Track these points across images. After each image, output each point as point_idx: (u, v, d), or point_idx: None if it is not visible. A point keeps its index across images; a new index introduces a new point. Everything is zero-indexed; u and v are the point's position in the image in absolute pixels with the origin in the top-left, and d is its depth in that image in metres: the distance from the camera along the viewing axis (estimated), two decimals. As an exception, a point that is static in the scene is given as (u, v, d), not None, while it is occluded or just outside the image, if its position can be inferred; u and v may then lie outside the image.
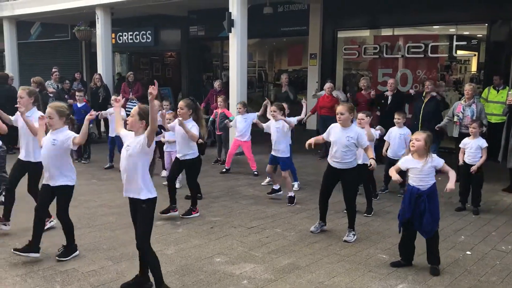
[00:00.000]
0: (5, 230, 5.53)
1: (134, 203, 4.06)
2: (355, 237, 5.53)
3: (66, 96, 11.47)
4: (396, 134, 7.37)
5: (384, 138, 7.52)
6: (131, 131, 4.13)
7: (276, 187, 7.27)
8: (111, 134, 9.24)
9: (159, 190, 6.90)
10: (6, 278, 4.36)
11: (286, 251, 5.16)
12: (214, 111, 9.87)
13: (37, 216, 4.79)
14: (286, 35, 13.23)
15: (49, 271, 4.52)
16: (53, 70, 12.43)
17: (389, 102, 9.45)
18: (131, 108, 11.91)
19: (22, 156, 5.50)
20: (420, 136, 4.58)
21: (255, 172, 8.79)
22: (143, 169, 4.00)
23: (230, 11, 10.11)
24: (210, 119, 9.87)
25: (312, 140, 5.67)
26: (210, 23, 13.95)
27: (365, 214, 6.43)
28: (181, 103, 6.19)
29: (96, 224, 5.92)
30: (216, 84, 11.92)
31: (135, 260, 4.81)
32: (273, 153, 7.02)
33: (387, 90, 9.62)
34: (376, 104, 9.69)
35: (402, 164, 4.76)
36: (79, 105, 10.12)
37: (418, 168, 4.58)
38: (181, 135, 6.16)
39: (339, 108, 5.39)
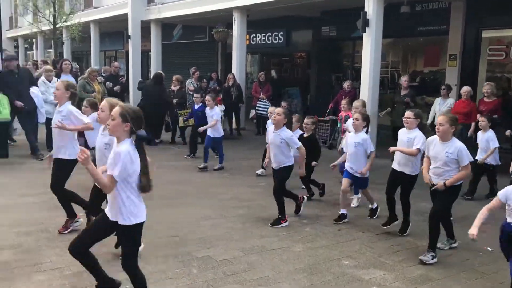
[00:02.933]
0: None
1: None
2: (434, 260, 4.87)
3: (203, 94, 12.19)
4: None
5: None
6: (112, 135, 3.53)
7: (373, 206, 6.40)
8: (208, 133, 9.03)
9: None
10: (150, 258, 4.77)
11: (418, 261, 4.91)
12: (339, 114, 9.67)
13: None
14: (423, 35, 12.57)
15: (187, 257, 4.85)
16: (192, 69, 13.27)
17: None
18: (262, 108, 12.16)
19: None
20: None
21: None
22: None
23: (365, 10, 9.91)
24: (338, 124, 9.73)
25: (427, 176, 5.02)
26: (343, 23, 13.79)
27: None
28: (279, 109, 5.99)
29: (228, 216, 6.20)
30: (346, 84, 11.78)
31: (264, 253, 4.99)
32: (349, 170, 6.10)
33: None
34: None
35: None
36: (196, 106, 10.26)
37: None
38: (276, 145, 5.89)
39: (439, 118, 4.87)
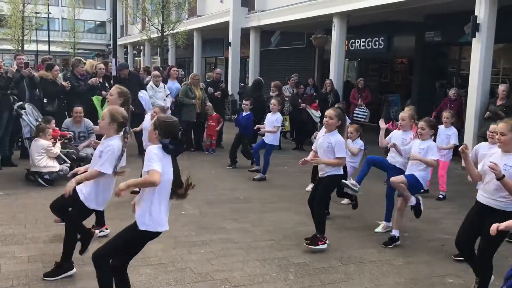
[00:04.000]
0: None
1: None
2: None
3: (299, 100, 12.22)
4: None
5: None
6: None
7: (396, 233, 5.56)
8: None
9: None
10: (248, 260, 4.86)
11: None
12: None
13: None
14: (542, 39, 11.57)
15: (284, 261, 4.88)
16: (294, 76, 13.35)
17: None
18: (360, 115, 11.87)
19: None
20: None
21: (441, 195, 7.59)
22: None
23: (475, 14, 9.34)
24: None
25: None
26: (449, 28, 13.12)
27: None
28: (331, 112, 5.32)
29: (327, 224, 6.13)
30: (451, 92, 11.15)
31: (363, 264, 4.87)
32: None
33: None
34: None
35: None
36: (243, 114, 9.55)
37: None
38: (323, 149, 5.31)
39: (500, 126, 4.07)
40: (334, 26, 13.52)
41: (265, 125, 8.72)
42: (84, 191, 4.13)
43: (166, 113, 6.37)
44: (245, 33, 18.16)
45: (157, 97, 10.15)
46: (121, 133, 4.12)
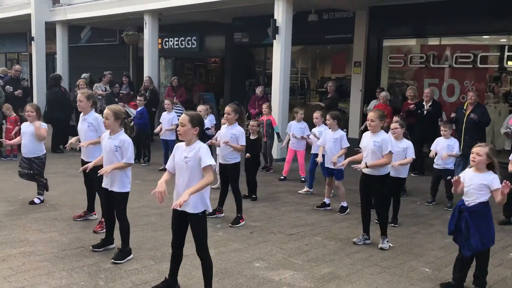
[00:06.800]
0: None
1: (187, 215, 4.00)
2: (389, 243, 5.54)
3: (116, 99, 11.81)
4: (444, 145, 7.37)
5: (431, 148, 7.54)
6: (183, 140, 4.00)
7: (327, 201, 7.12)
8: (163, 137, 9.43)
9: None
10: (54, 272, 4.52)
11: (326, 260, 5.12)
12: (260, 118, 9.76)
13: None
14: (330, 43, 13.15)
15: (93, 268, 4.66)
16: (108, 74, 12.79)
17: (425, 112, 9.40)
18: (176, 112, 11.99)
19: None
20: (481, 151, 4.31)
21: (302, 178, 8.78)
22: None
23: (275, 18, 10.17)
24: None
25: (350, 159, 5.82)
26: (255, 30, 14.05)
27: (392, 224, 6.26)
28: (228, 108, 6.27)
29: (139, 224, 6.04)
30: (258, 90, 11.97)
31: (176, 261, 4.90)
32: (328, 165, 6.84)
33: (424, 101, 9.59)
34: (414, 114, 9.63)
35: (461, 175, 4.49)
36: (138, 109, 10.40)
37: (468, 182, 4.35)
38: (228, 140, 6.22)
39: (370, 115, 5.50)
40: (145, 23, 13.36)
41: (162, 124, 9.37)
42: (122, 184, 4.91)
43: None
44: (51, 28, 16.76)
45: None
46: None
